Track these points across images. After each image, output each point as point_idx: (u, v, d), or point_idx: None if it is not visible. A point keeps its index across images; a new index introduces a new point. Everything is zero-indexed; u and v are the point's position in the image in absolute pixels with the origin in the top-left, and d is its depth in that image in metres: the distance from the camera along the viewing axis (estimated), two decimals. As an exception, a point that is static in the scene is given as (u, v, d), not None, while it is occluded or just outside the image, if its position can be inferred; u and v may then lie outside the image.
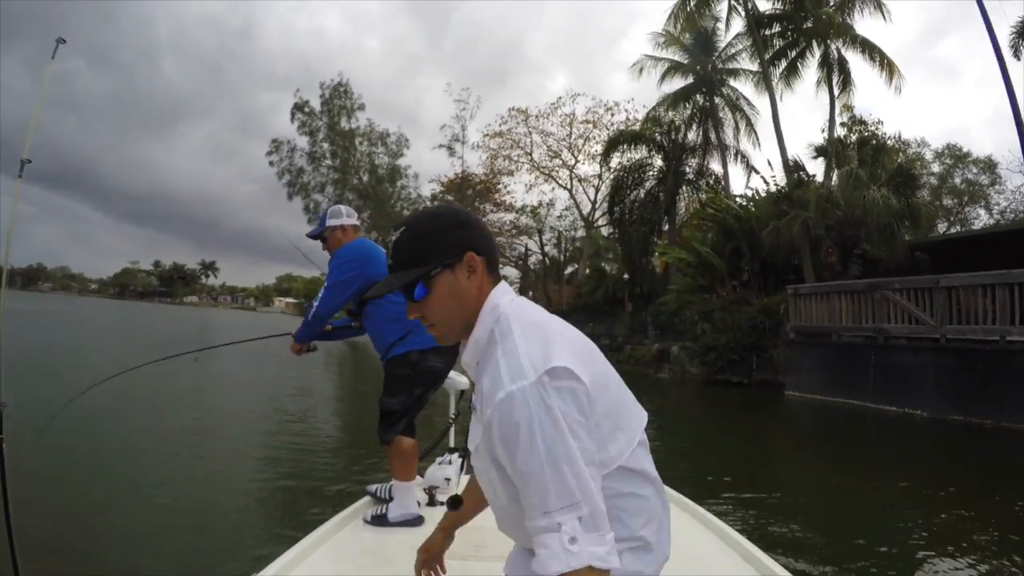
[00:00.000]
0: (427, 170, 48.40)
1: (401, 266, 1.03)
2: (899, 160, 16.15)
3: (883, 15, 19.43)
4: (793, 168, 16.05)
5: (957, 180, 30.07)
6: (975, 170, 30.03)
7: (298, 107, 30.46)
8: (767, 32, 19.65)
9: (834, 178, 16.03)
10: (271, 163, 31.24)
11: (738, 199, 18.83)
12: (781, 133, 17.72)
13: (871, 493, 6.07)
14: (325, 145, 30.52)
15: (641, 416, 1.09)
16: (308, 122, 30.31)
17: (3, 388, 2.29)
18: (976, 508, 5.43)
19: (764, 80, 19.05)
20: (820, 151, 15.57)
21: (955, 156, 30.47)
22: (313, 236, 2.91)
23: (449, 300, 1.02)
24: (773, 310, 14.93)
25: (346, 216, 2.87)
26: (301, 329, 2.83)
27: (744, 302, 15.80)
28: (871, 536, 4.56)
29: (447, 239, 1.02)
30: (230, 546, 4.00)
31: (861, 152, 15.43)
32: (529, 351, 0.93)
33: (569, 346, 0.96)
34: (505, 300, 1.03)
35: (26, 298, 62.55)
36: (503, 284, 1.07)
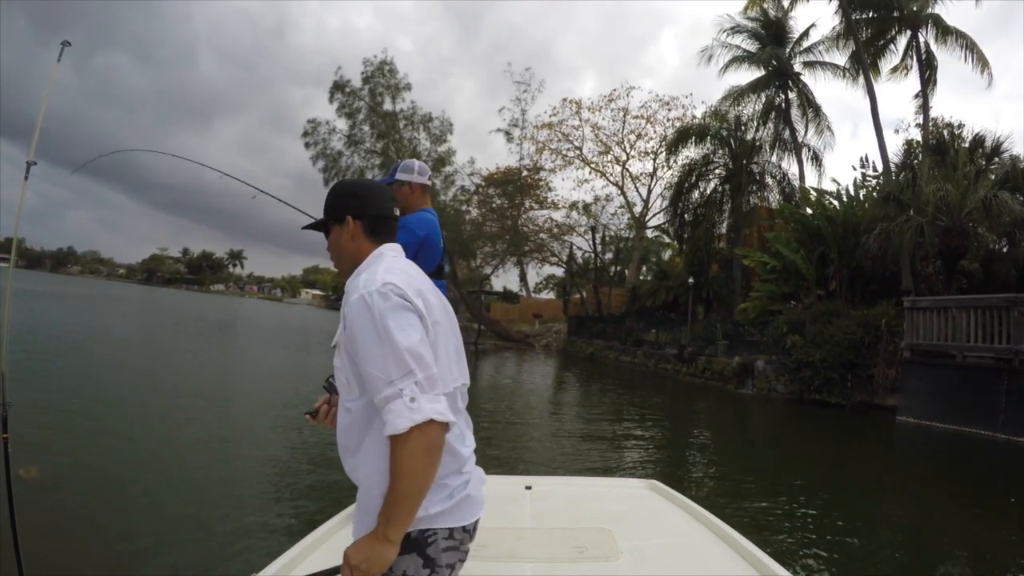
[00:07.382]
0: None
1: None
2: (1007, 160, 14.43)
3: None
4: (901, 167, 14.48)
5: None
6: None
7: (338, 86, 28.08)
8: (859, 16, 18.10)
9: (924, 176, 14.46)
10: (307, 145, 28.76)
11: (829, 198, 17.24)
12: (880, 128, 16.23)
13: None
14: (366, 127, 28.15)
15: (456, 376, 1.27)
16: (349, 103, 27.97)
17: (8, 388, 2.45)
18: None
19: (861, 69, 17.49)
20: (933, 147, 13.97)
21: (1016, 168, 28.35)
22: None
23: (335, 247, 1.36)
24: (874, 324, 13.45)
25: (418, 173, 2.66)
26: None
27: (835, 313, 14.29)
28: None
29: (338, 203, 1.35)
30: (230, 546, 3.99)
31: (974, 153, 13.85)
32: (384, 273, 1.20)
33: (419, 289, 1.22)
34: (390, 254, 1.32)
35: (31, 279, 63.53)
36: (396, 245, 1.36)
